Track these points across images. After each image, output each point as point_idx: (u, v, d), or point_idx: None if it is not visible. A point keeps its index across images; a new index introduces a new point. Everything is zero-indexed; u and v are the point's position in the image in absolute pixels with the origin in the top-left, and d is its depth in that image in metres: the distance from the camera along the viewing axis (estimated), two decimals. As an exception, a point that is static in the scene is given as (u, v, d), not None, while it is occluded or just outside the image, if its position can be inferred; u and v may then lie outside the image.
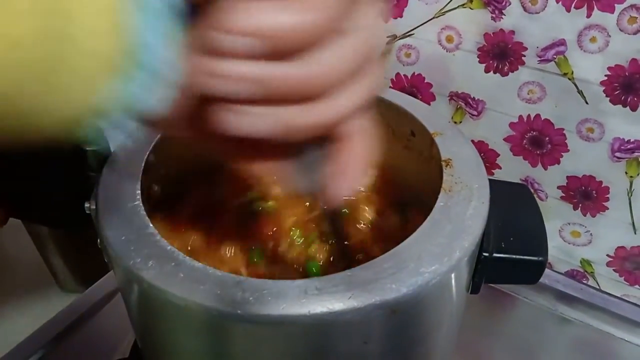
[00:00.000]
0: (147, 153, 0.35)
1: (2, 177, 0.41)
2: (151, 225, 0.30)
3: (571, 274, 0.56)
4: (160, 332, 0.30)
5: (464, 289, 0.32)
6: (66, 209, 0.39)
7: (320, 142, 0.23)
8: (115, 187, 0.33)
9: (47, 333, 0.50)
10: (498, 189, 0.34)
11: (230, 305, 0.25)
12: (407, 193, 0.44)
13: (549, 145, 0.49)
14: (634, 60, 0.42)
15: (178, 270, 0.27)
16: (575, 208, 0.52)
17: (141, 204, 0.31)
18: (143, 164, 0.34)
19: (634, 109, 0.44)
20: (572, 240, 0.54)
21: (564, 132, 0.48)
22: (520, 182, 0.53)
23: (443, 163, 0.34)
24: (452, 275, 0.29)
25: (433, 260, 0.27)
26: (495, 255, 0.33)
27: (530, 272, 0.34)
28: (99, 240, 0.32)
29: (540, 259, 0.33)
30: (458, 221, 0.30)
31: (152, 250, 0.28)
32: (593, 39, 0.43)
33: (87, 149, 0.38)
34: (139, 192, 0.32)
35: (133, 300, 0.30)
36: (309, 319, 0.25)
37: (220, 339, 0.27)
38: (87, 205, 0.34)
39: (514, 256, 0.33)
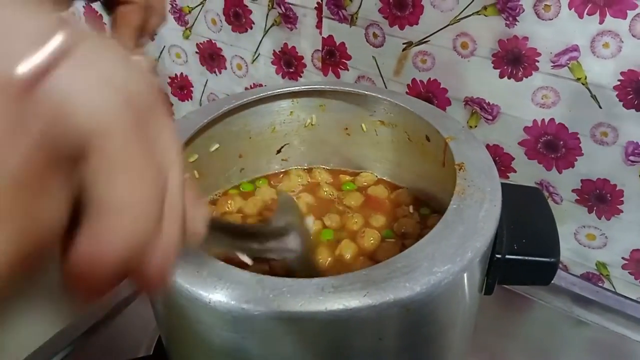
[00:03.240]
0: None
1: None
2: (176, 226, 0.31)
3: (587, 277, 0.56)
4: (185, 328, 0.31)
5: (476, 289, 0.33)
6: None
7: None
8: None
9: (74, 331, 0.52)
10: (511, 192, 0.35)
11: (251, 302, 0.27)
12: (423, 196, 0.45)
13: (564, 149, 0.50)
14: (646, 65, 0.43)
15: (202, 269, 0.28)
16: (590, 211, 0.52)
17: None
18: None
19: (647, 113, 0.44)
20: (587, 243, 0.54)
21: (578, 136, 0.49)
22: (535, 185, 0.54)
23: (456, 167, 0.35)
24: (465, 275, 0.29)
25: (446, 260, 0.28)
26: (507, 256, 0.34)
27: (542, 273, 0.35)
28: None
29: (552, 260, 0.34)
30: (470, 223, 0.31)
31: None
32: (606, 45, 0.44)
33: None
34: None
35: (159, 298, 0.31)
36: (326, 315, 0.26)
37: (242, 334, 0.28)
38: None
39: (526, 257, 0.34)
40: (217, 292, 0.27)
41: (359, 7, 0.55)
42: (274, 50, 0.65)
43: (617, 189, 0.49)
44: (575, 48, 0.45)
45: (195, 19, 0.69)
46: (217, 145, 0.44)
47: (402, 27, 0.53)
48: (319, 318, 0.26)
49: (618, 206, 0.50)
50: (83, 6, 0.79)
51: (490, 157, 0.36)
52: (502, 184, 0.34)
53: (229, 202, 0.45)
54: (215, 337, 0.30)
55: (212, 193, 0.47)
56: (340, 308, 0.26)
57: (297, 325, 0.27)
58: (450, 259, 0.28)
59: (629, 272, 0.53)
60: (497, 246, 0.33)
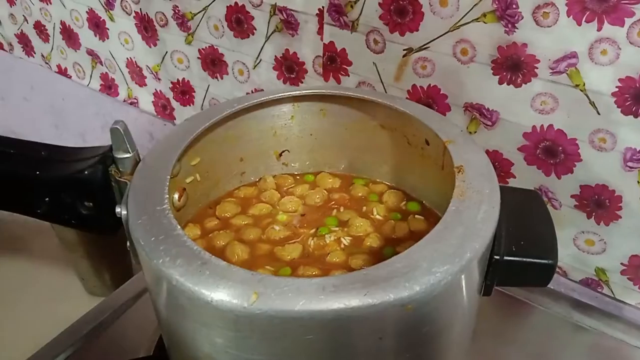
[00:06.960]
0: (175, 159, 0.37)
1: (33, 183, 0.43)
2: (179, 227, 0.31)
3: (586, 282, 0.57)
4: (186, 327, 0.31)
5: (475, 290, 0.34)
6: (98, 213, 0.41)
7: None
8: (145, 191, 0.35)
9: (74, 334, 0.52)
10: (510, 195, 0.36)
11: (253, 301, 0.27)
12: (422, 198, 0.46)
13: (562, 155, 0.50)
14: (644, 71, 0.43)
15: (204, 268, 0.29)
16: (589, 217, 0.52)
17: (169, 207, 0.33)
18: (171, 169, 0.36)
19: (645, 119, 0.45)
20: (586, 248, 0.54)
21: (577, 142, 0.49)
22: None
23: (455, 170, 0.35)
24: (463, 275, 0.30)
25: (445, 261, 0.29)
26: (506, 258, 0.34)
27: (540, 275, 0.35)
28: (128, 243, 0.34)
29: (550, 262, 0.34)
30: (469, 224, 0.31)
31: (180, 250, 0.30)
32: (604, 52, 0.44)
33: (116, 156, 0.40)
34: (167, 196, 0.34)
35: (161, 297, 0.32)
36: (327, 314, 0.26)
37: (243, 333, 0.29)
38: (118, 209, 0.36)
39: (524, 259, 0.34)
40: (219, 291, 0.28)
41: (360, 14, 0.55)
42: (275, 56, 0.65)
43: (615, 194, 0.50)
44: (574, 55, 0.45)
45: (198, 25, 0.69)
46: (219, 149, 0.45)
47: (402, 34, 0.54)
48: (319, 317, 0.27)
49: (617, 212, 0.50)
50: (86, 11, 0.80)
51: (489, 160, 0.37)
52: (501, 187, 0.35)
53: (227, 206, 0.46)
54: (216, 337, 0.30)
55: (213, 196, 0.47)
56: (341, 307, 0.27)
57: (298, 324, 0.27)
58: (449, 259, 0.29)
59: (627, 278, 0.54)
60: (496, 248, 0.33)
